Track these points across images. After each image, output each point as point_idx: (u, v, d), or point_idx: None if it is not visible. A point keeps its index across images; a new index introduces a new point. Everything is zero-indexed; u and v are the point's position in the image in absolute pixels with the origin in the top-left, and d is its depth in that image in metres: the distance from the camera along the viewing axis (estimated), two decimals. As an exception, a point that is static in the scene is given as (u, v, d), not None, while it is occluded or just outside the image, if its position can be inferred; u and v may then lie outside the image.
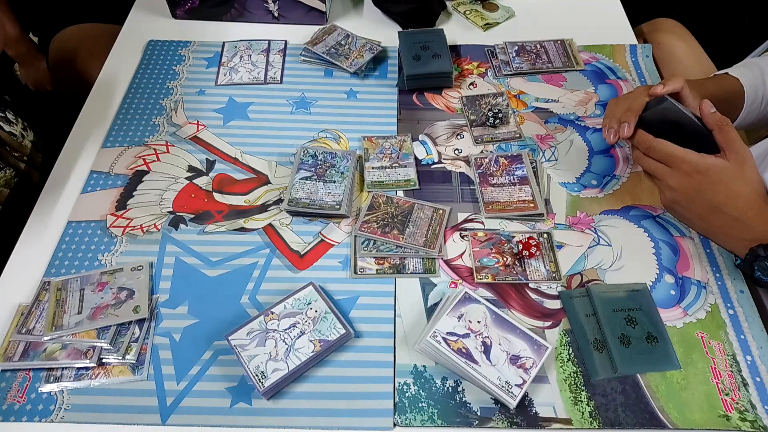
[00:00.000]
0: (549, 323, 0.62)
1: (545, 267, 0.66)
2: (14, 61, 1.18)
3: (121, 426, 0.55)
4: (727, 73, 0.78)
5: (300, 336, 0.58)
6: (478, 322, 0.59)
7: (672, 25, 1.08)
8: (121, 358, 0.58)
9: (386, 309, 0.63)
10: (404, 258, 0.67)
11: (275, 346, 0.57)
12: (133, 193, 0.73)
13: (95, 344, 0.59)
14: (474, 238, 0.69)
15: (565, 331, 0.62)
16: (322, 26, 0.94)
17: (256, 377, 0.55)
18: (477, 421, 0.56)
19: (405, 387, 0.58)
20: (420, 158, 0.78)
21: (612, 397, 0.57)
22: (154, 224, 0.70)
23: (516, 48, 0.91)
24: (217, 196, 0.73)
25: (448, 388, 0.58)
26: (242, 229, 0.70)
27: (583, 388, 0.58)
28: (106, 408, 0.56)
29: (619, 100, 0.69)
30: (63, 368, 0.58)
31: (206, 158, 0.77)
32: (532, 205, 0.71)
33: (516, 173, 0.74)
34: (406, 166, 0.76)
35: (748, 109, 0.77)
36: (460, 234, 0.70)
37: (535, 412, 0.56)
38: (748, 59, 0.82)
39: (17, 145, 0.79)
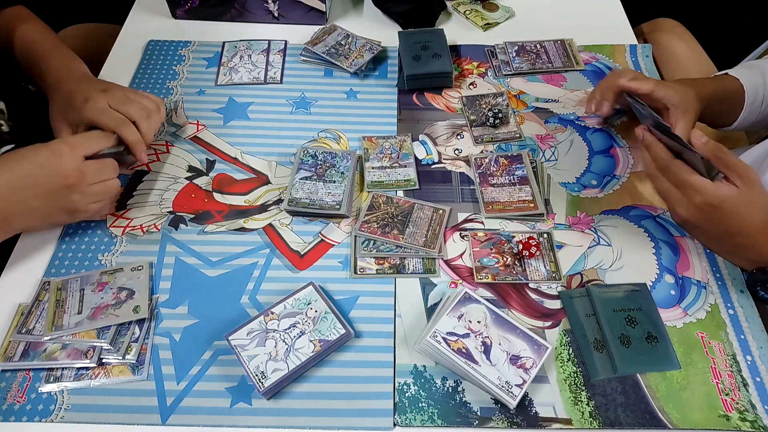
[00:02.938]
0: (549, 323, 0.62)
1: (545, 267, 0.66)
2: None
3: (121, 426, 0.55)
4: (727, 74, 0.78)
5: (300, 336, 0.58)
6: (478, 322, 0.59)
7: (672, 25, 1.08)
8: (121, 358, 0.58)
9: (386, 309, 0.63)
10: (404, 258, 0.67)
11: (275, 346, 0.57)
12: (133, 193, 0.73)
13: (95, 344, 0.59)
14: (474, 238, 0.69)
15: (565, 331, 0.62)
16: (322, 26, 0.94)
17: (256, 377, 0.55)
18: (477, 421, 0.56)
19: (405, 387, 0.58)
20: (420, 158, 0.78)
21: (612, 397, 0.57)
22: (154, 224, 0.70)
23: (516, 48, 0.91)
24: (217, 196, 0.73)
25: (448, 388, 0.58)
26: (242, 229, 0.70)
27: (583, 388, 0.58)
28: (106, 408, 0.56)
29: (607, 77, 0.75)
30: (63, 368, 0.58)
31: (206, 158, 0.77)
32: (532, 205, 0.71)
33: (516, 173, 0.74)
34: (406, 166, 0.76)
35: (748, 110, 0.77)
36: (460, 234, 0.70)
37: (535, 412, 0.56)
38: (749, 61, 0.82)
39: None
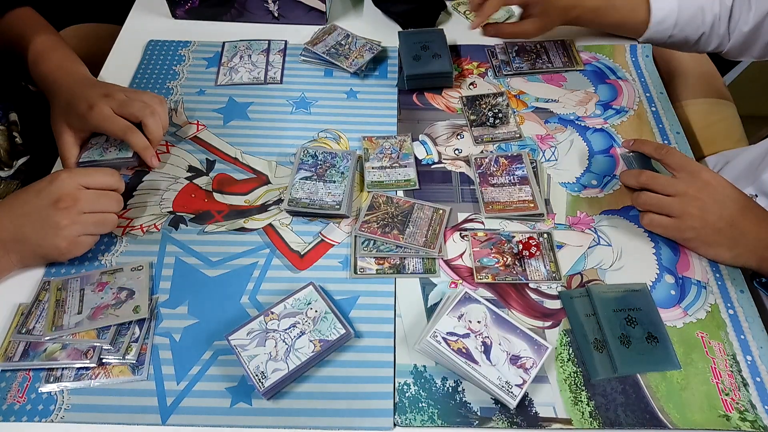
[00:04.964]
0: (549, 323, 0.62)
1: (545, 267, 0.66)
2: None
3: (121, 426, 0.55)
4: None
5: (300, 336, 0.58)
6: (478, 322, 0.59)
7: (672, 25, 1.08)
8: (121, 358, 0.58)
9: (386, 309, 0.63)
10: (404, 258, 0.67)
11: (275, 346, 0.57)
12: (133, 193, 0.73)
13: (95, 344, 0.59)
14: (474, 238, 0.69)
15: (565, 331, 0.62)
16: (322, 26, 0.94)
17: (256, 377, 0.55)
18: (477, 421, 0.56)
19: (405, 387, 0.58)
20: (420, 158, 0.78)
21: (612, 397, 0.57)
22: (154, 224, 0.70)
23: (516, 48, 0.91)
24: (217, 196, 0.73)
25: (448, 388, 0.58)
26: (242, 229, 0.70)
27: (583, 388, 0.58)
28: (106, 408, 0.56)
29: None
30: (63, 368, 0.58)
31: (206, 158, 0.77)
32: (532, 205, 0.71)
33: (516, 173, 0.74)
34: (406, 166, 0.76)
35: (654, 29, 0.86)
36: (460, 234, 0.70)
37: (535, 412, 0.56)
38: None
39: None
